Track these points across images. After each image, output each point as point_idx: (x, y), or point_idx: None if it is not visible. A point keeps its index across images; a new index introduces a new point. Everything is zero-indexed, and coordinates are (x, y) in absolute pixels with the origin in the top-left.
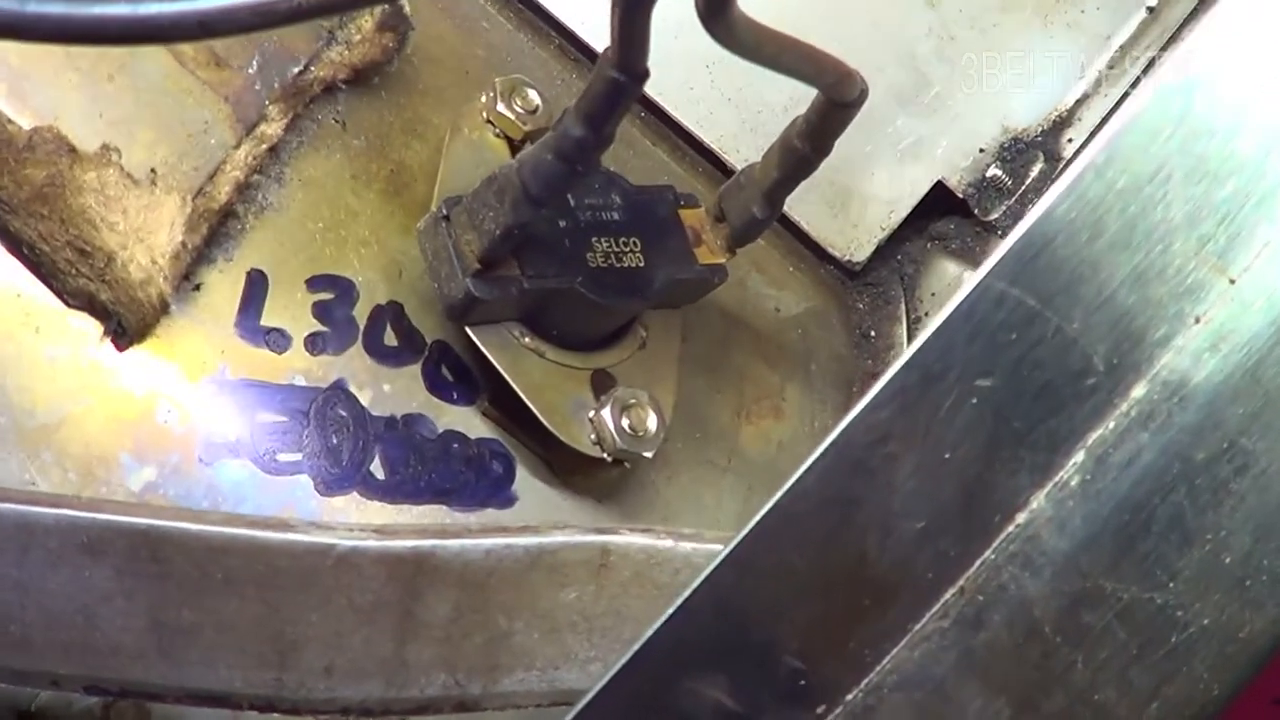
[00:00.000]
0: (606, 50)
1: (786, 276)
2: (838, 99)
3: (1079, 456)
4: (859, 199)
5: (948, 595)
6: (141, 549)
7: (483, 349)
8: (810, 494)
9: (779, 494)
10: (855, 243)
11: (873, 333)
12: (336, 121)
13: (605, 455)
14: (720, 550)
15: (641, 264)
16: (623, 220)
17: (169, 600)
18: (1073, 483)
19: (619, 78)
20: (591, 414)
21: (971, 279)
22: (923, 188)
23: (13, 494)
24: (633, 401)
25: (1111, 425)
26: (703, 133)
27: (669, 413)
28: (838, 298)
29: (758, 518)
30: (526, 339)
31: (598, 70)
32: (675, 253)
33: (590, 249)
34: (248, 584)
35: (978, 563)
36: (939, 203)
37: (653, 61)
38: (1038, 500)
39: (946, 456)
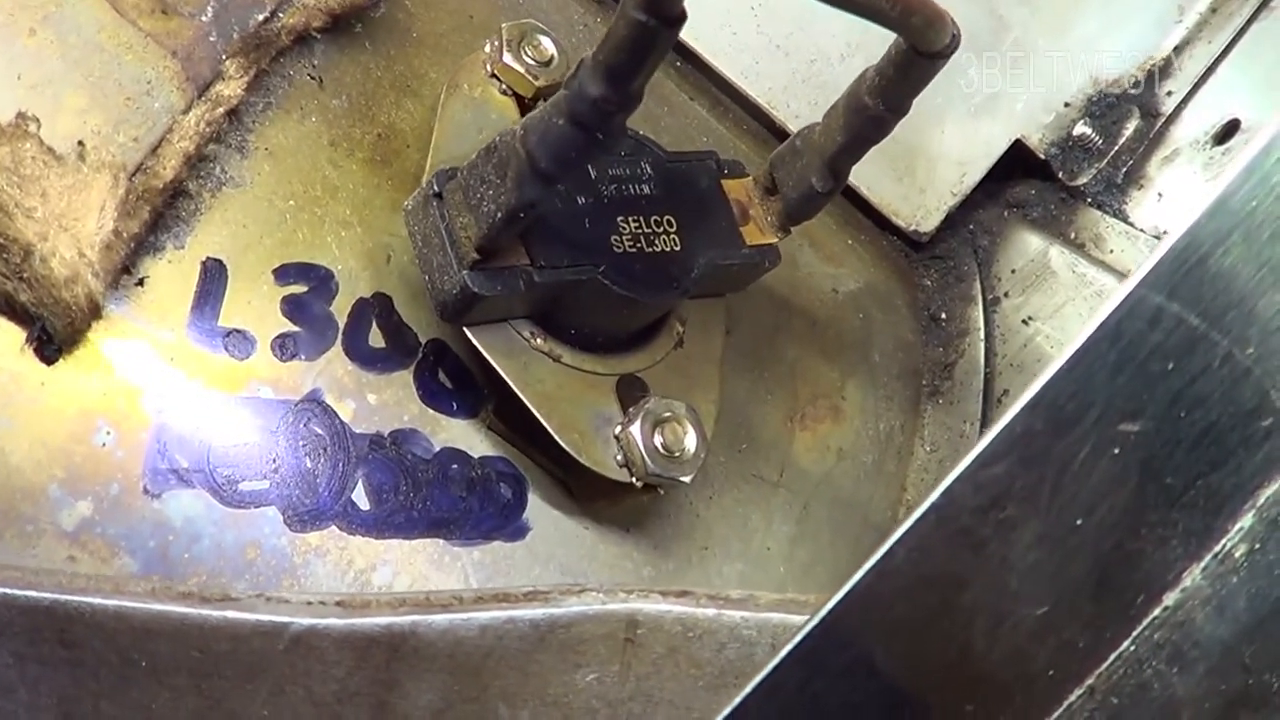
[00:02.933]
0: None
1: (845, 251)
2: (923, 47)
3: (1246, 520)
4: (926, 160)
5: (1073, 697)
6: (46, 629)
7: (485, 354)
8: (901, 572)
9: (860, 573)
10: (922, 210)
11: (943, 315)
12: (312, 78)
13: (634, 480)
14: (775, 618)
15: (677, 247)
16: (655, 195)
17: (83, 692)
18: (1237, 553)
19: (646, 21)
20: (618, 430)
21: (1118, 291)
22: (999, 147)
23: None
24: (667, 415)
25: None
26: (748, 85)
27: (711, 426)
28: (902, 274)
29: (832, 603)
30: (539, 340)
31: (620, 12)
32: (718, 232)
33: (615, 230)
34: (180, 672)
35: (1113, 656)
36: (1018, 164)
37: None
38: (1192, 576)
39: (1078, 523)
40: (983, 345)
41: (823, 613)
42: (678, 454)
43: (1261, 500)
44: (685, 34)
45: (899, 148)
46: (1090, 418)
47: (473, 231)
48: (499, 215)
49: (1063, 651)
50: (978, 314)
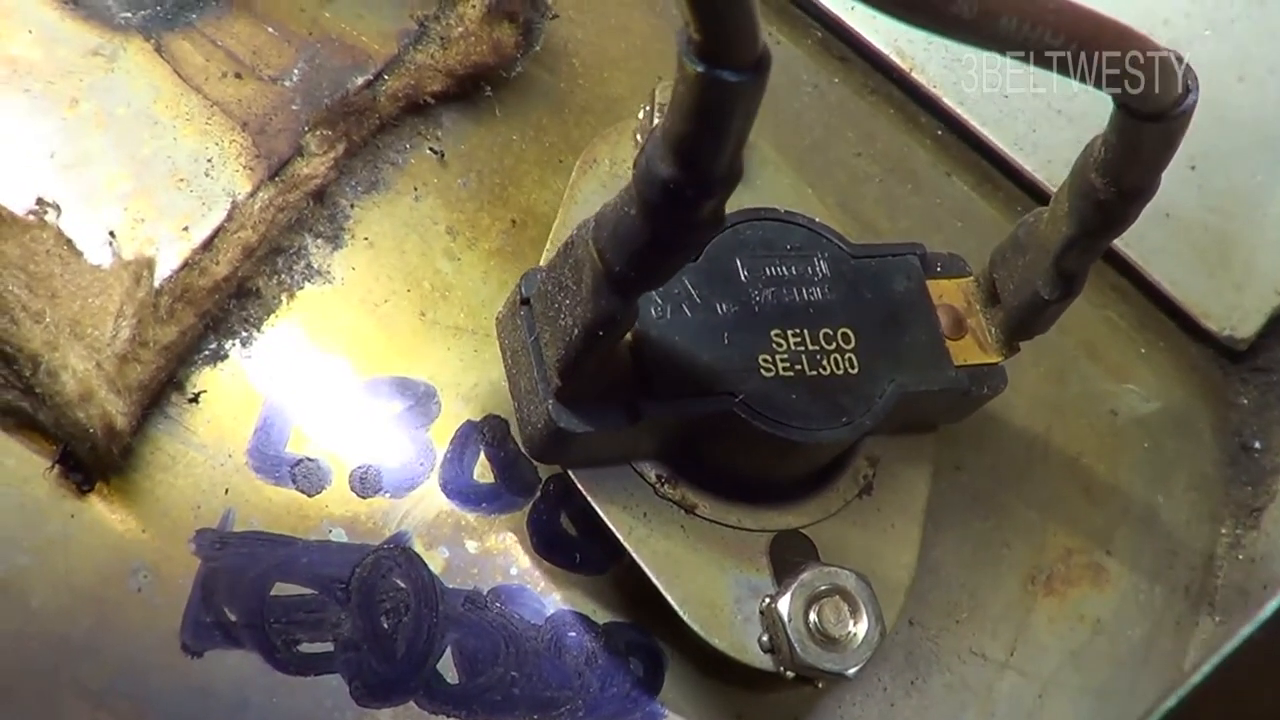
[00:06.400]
0: (682, 30)
1: (1134, 361)
2: (1139, 107)
3: None
4: (1244, 249)
5: None
6: None
7: (591, 501)
8: None
9: None
10: (1239, 311)
11: (1256, 444)
12: (434, 152)
13: (781, 670)
14: None
15: (854, 369)
16: (829, 301)
17: None
18: None
19: (709, 73)
20: (764, 604)
21: None
22: None
23: None
24: (825, 588)
25: None
26: (1022, 158)
27: (900, 599)
28: (1212, 391)
29: None
30: (667, 486)
31: (677, 65)
32: (915, 350)
33: (767, 349)
34: None
35: None
36: None
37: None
38: None
39: None
40: None
41: None
42: (839, 638)
43: None
44: (948, 97)
45: (1209, 235)
46: None
47: (552, 351)
48: (576, 332)
49: None
50: None
